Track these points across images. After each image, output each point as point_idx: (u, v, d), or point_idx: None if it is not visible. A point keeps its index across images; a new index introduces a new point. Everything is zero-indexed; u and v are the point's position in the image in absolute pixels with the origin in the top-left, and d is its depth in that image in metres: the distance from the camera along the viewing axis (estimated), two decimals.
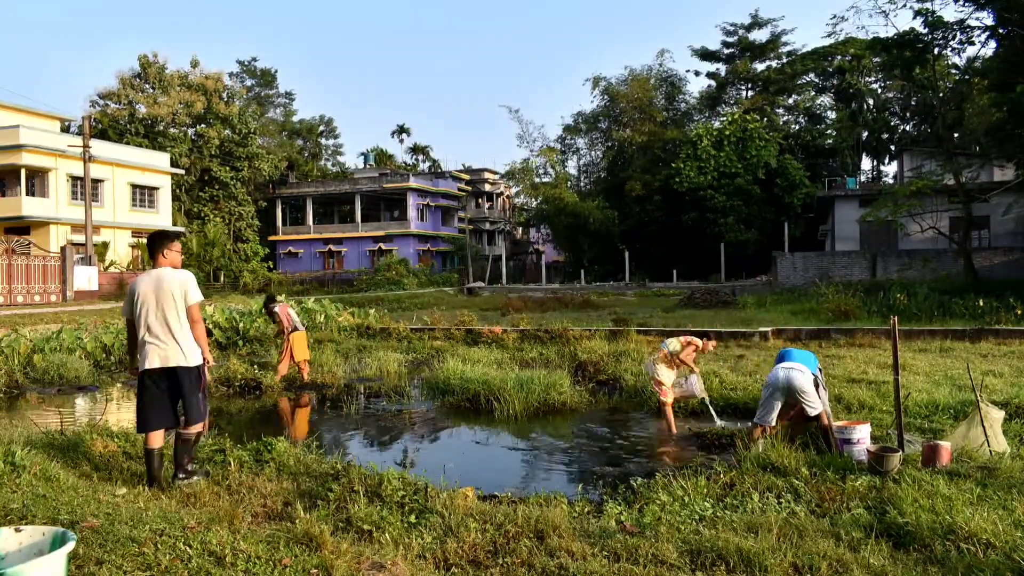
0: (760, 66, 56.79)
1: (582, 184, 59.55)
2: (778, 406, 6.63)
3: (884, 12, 46.01)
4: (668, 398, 8.16)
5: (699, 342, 8.50)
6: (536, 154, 56.40)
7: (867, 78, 52.81)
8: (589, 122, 57.08)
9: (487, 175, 74.08)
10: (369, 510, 4.85)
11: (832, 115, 56.26)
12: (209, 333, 11.78)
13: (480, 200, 73.48)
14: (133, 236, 42.54)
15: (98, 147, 38.05)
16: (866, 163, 59.60)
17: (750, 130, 45.74)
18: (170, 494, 5.37)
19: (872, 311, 18.01)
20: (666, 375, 8.20)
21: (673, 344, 8.34)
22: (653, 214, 49.07)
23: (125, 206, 42.43)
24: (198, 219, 52.00)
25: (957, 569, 3.85)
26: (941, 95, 29.91)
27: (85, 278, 33.59)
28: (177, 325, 5.51)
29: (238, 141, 54.13)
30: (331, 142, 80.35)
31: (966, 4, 24.79)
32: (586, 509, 5.19)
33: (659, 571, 3.94)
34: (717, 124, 50.32)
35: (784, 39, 56.07)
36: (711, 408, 8.32)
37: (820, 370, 7.00)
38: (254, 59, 72.92)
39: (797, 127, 55.62)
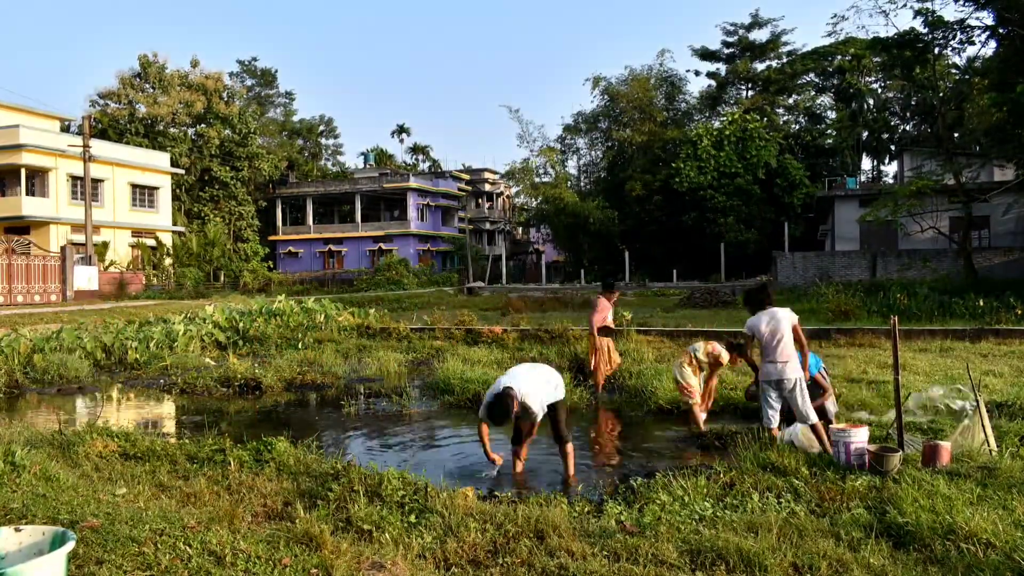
0: (760, 66, 56.77)
1: (582, 184, 59.51)
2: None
3: (884, 12, 45.96)
4: (695, 399, 8.21)
5: (725, 357, 8.41)
6: (536, 154, 56.37)
7: (867, 78, 52.78)
8: (589, 122, 57.03)
9: (487, 175, 74.06)
10: (369, 510, 4.85)
11: (832, 115, 56.22)
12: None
13: (480, 200, 73.47)
14: (133, 236, 42.53)
15: (98, 147, 38.03)
16: (866, 163, 59.62)
17: (750, 130, 45.72)
18: (170, 494, 5.37)
19: (872, 311, 18.01)
20: (692, 379, 8.25)
21: (700, 352, 8.36)
22: (653, 214, 49.04)
23: (125, 206, 42.43)
24: (198, 219, 51.98)
25: (957, 569, 3.85)
26: (941, 95, 29.89)
27: (85, 278, 33.59)
28: None
29: (238, 141, 54.11)
30: (331, 142, 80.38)
31: (966, 4, 24.79)
32: (586, 509, 5.19)
33: (659, 571, 3.94)
34: (717, 124, 50.30)
35: (784, 39, 56.08)
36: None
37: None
38: (254, 59, 72.95)
39: (797, 127, 55.59)
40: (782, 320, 6.53)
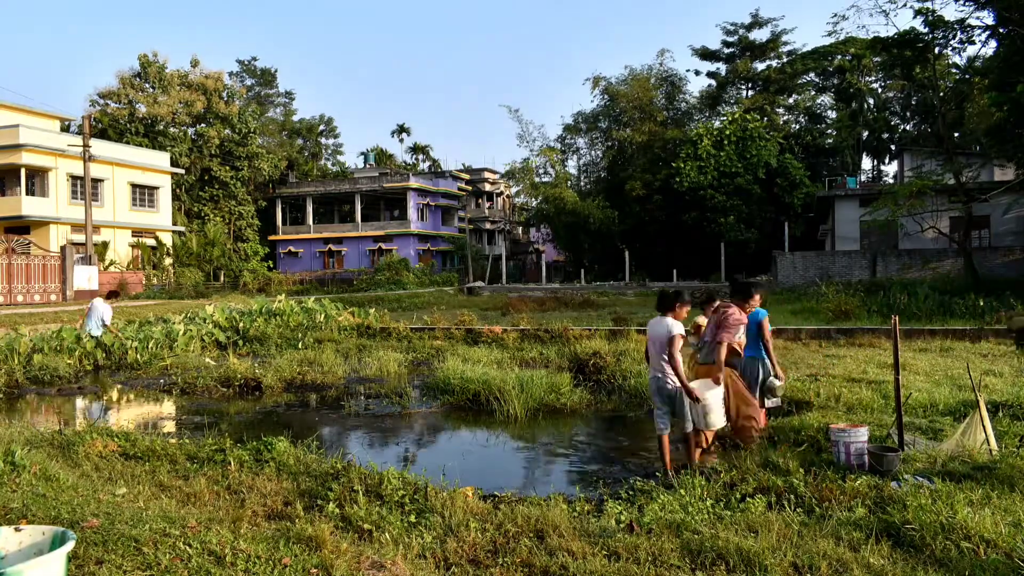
0: (760, 66, 56.73)
1: (582, 184, 59.46)
2: (663, 412, 6.52)
3: (884, 11, 46.02)
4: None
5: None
6: (536, 154, 56.31)
7: (867, 78, 52.75)
8: (589, 122, 56.98)
9: (487, 175, 74.01)
10: (369, 509, 4.85)
11: (832, 115, 56.17)
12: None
13: (480, 200, 73.42)
14: (133, 236, 42.52)
15: (98, 146, 38.01)
16: (866, 163, 59.59)
17: (750, 130, 45.68)
18: (170, 494, 5.37)
19: (872, 311, 18.01)
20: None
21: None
22: (653, 214, 49.00)
23: (125, 206, 42.41)
24: (198, 218, 51.97)
25: (957, 569, 3.85)
26: (941, 95, 29.86)
27: (85, 278, 33.58)
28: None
29: (238, 141, 54.07)
30: (331, 142, 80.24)
31: (967, 3, 24.78)
32: (586, 509, 5.19)
33: (659, 571, 3.93)
34: (717, 124, 50.26)
35: (784, 39, 55.98)
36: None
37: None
38: (254, 59, 72.94)
39: (797, 127, 55.53)
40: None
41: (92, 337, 14.37)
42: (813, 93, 56.98)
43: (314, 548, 4.04)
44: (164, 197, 45.23)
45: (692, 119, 56.12)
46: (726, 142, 45.54)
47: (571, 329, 15.23)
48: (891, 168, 56.87)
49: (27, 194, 37.57)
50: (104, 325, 14.62)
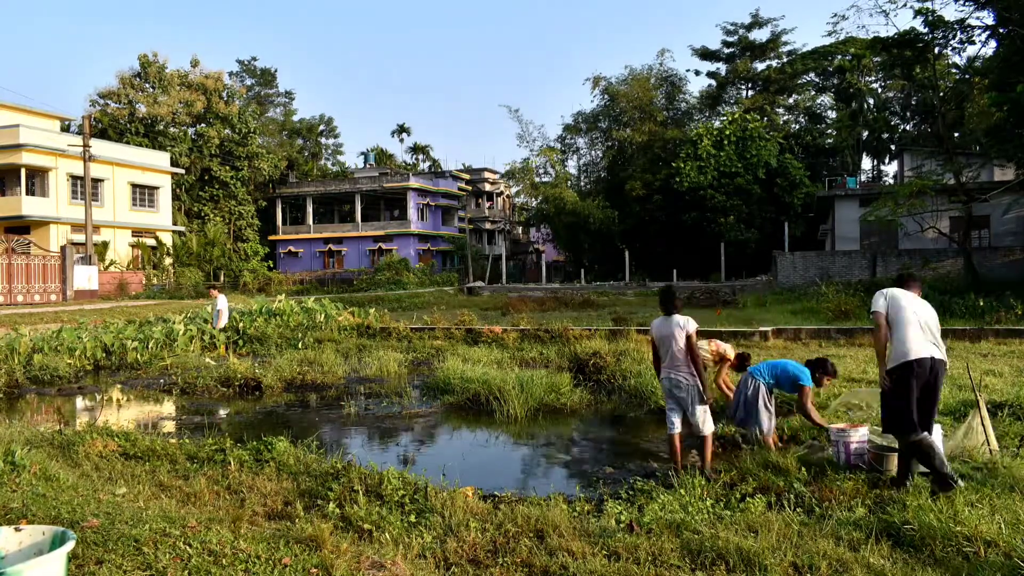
0: (760, 65, 56.73)
1: (582, 184, 59.47)
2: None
3: (884, 11, 45.88)
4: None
5: (731, 352, 8.20)
6: (536, 154, 56.34)
7: (867, 78, 52.75)
8: (589, 122, 56.99)
9: (487, 175, 74.00)
10: (369, 509, 4.85)
11: (832, 115, 56.17)
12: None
13: (480, 200, 73.42)
14: (133, 236, 42.51)
15: (98, 146, 38.01)
16: (866, 163, 59.57)
17: (750, 130, 45.69)
18: (170, 494, 5.37)
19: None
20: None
21: (704, 350, 8.05)
22: (653, 214, 49.02)
23: (125, 206, 42.41)
24: (198, 218, 51.96)
25: (957, 569, 3.85)
26: (941, 95, 29.84)
27: (85, 278, 33.59)
28: None
29: (238, 140, 54.06)
30: (331, 141, 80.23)
31: (967, 3, 24.76)
32: (586, 509, 5.19)
33: (659, 571, 3.94)
34: (717, 124, 50.27)
35: (784, 38, 55.98)
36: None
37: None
38: (254, 59, 72.89)
39: (797, 127, 55.54)
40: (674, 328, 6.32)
41: (221, 329, 16.29)
42: (813, 93, 56.99)
43: (314, 548, 4.04)
44: (164, 197, 45.23)
45: (692, 119, 56.12)
46: (726, 142, 45.55)
47: (571, 329, 15.23)
48: (891, 168, 56.92)
49: (27, 194, 37.56)
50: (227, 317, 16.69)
